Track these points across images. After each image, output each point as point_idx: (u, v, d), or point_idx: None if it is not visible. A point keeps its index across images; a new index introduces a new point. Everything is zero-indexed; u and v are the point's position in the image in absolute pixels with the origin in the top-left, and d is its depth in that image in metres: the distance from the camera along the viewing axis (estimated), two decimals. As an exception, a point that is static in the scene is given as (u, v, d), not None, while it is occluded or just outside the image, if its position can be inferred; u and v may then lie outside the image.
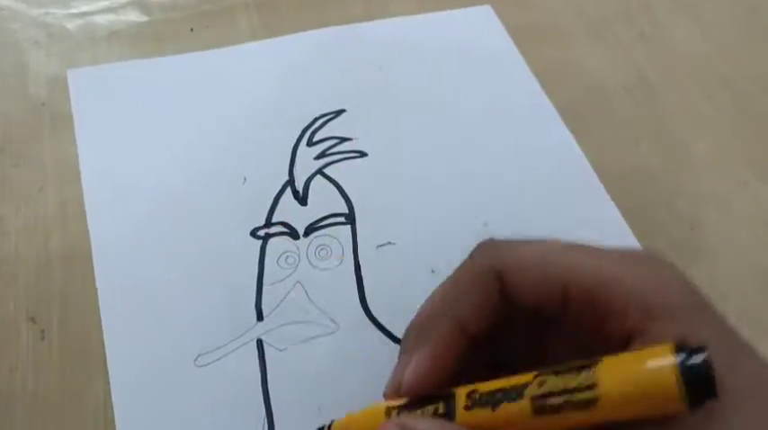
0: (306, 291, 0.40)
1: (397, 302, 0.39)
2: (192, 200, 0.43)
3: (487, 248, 0.30)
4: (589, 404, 0.24)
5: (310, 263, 0.41)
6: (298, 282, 0.40)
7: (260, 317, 0.39)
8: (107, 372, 0.36)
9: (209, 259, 0.40)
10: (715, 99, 0.51)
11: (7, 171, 0.44)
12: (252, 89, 0.48)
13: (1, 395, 0.36)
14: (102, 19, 0.52)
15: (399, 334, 0.38)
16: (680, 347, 0.23)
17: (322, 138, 0.46)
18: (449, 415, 0.27)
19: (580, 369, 0.25)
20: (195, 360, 0.37)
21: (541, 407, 0.25)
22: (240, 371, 0.37)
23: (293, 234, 0.41)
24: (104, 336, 0.37)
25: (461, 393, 0.27)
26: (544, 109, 0.49)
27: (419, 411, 0.28)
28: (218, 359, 0.37)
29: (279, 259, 0.40)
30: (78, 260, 0.40)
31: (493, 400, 0.26)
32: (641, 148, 0.48)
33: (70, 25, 0.51)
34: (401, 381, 0.29)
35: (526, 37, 0.52)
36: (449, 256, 0.41)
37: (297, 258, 0.41)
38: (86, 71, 0.48)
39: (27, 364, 0.37)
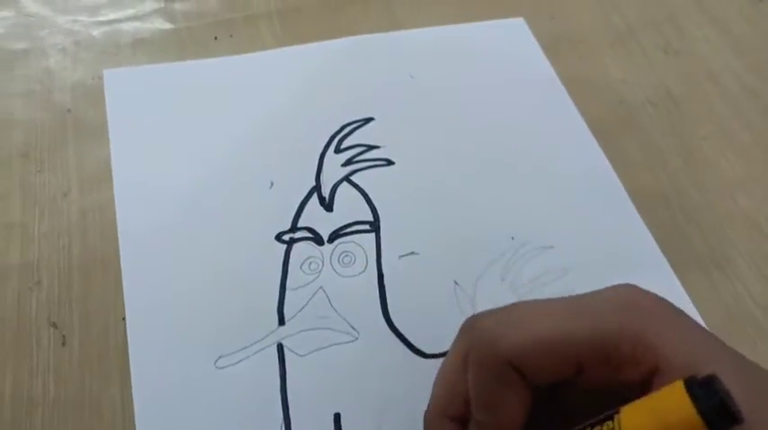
0: (328, 298, 0.39)
1: (419, 313, 0.39)
2: (219, 203, 0.43)
3: (486, 341, 0.28)
4: None
5: (334, 269, 0.40)
6: (320, 287, 0.40)
7: (281, 321, 0.39)
8: (127, 378, 0.37)
9: (233, 262, 0.40)
10: (742, 114, 0.50)
11: (31, 177, 0.44)
12: (282, 94, 0.48)
13: (22, 399, 0.36)
14: (127, 26, 0.52)
15: (420, 345, 0.38)
16: (690, 382, 0.24)
17: (350, 146, 0.46)
18: None
19: (600, 425, 0.26)
20: (216, 362, 0.37)
21: None
22: (260, 374, 0.37)
23: (318, 240, 0.41)
24: (128, 335, 0.38)
25: None
26: (575, 124, 0.48)
27: None
28: (238, 362, 0.37)
29: (302, 264, 0.40)
30: (100, 266, 0.40)
31: None
32: (668, 164, 0.47)
33: (96, 32, 0.52)
34: None
35: (549, 49, 0.52)
36: (472, 269, 0.41)
37: (320, 264, 0.41)
38: (122, 72, 0.49)
39: (48, 369, 0.37)
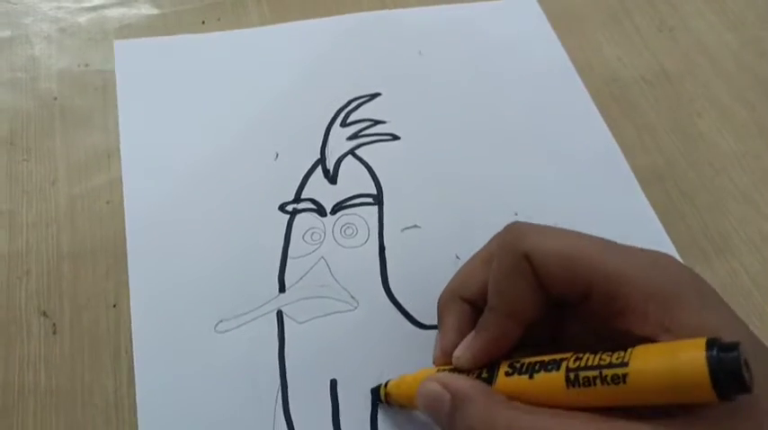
0: (329, 268, 0.40)
1: (419, 285, 0.40)
2: (225, 172, 0.43)
3: (515, 234, 0.31)
4: (619, 380, 0.25)
5: (335, 240, 0.41)
6: (322, 257, 0.40)
7: (282, 289, 0.39)
8: (119, 367, 0.37)
9: (237, 230, 0.41)
10: (738, 90, 0.50)
11: (18, 166, 0.44)
12: (291, 68, 0.49)
13: (13, 388, 0.36)
14: (113, 12, 0.51)
15: (419, 316, 0.39)
16: (712, 342, 0.24)
17: (356, 120, 0.46)
18: (489, 380, 0.30)
19: (615, 349, 0.26)
20: (216, 326, 0.38)
21: (574, 378, 0.27)
22: (259, 339, 0.37)
23: (320, 211, 0.42)
24: (131, 298, 0.38)
25: (505, 363, 0.30)
26: (583, 103, 0.48)
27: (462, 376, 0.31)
28: (238, 327, 0.38)
29: (305, 235, 0.41)
30: (90, 255, 0.40)
31: (532, 370, 0.28)
32: (662, 141, 0.47)
33: (82, 19, 0.51)
34: (453, 354, 0.32)
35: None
36: (474, 244, 0.41)
37: (322, 235, 0.41)
38: (132, 43, 0.49)
39: (39, 359, 0.37)
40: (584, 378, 0.27)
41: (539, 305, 0.30)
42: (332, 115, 0.46)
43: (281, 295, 0.39)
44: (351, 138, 0.45)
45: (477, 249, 0.41)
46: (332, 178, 0.43)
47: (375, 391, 0.36)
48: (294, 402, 0.36)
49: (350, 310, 0.39)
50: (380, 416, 0.36)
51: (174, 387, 0.36)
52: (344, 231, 0.41)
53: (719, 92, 0.50)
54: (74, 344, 0.38)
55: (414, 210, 0.43)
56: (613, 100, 0.49)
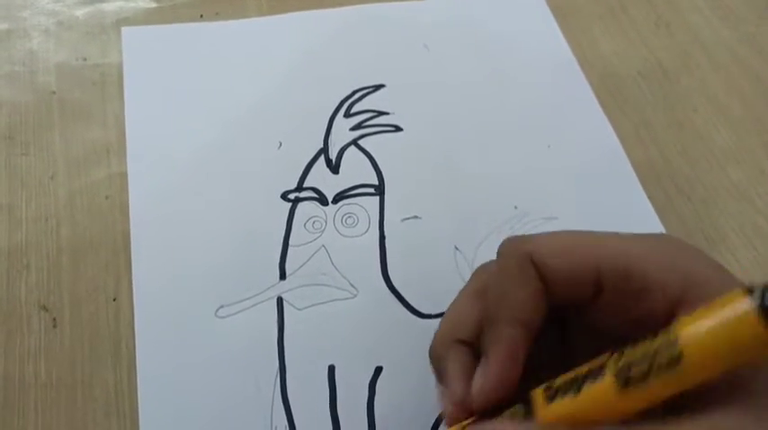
0: (329, 256, 0.40)
1: (418, 275, 0.40)
2: (228, 160, 0.44)
3: (515, 241, 0.29)
4: (674, 363, 0.23)
5: (336, 229, 0.41)
6: (323, 246, 0.41)
7: (283, 276, 0.40)
8: (119, 360, 0.37)
9: (239, 217, 0.42)
10: (734, 86, 0.51)
11: (17, 160, 0.44)
12: (295, 58, 0.49)
13: (13, 382, 0.36)
14: (111, 6, 0.51)
15: (417, 305, 0.39)
16: (751, 289, 0.22)
17: (359, 111, 0.47)
18: (527, 413, 0.26)
19: (654, 335, 0.24)
20: (216, 311, 0.38)
21: (627, 378, 0.24)
22: (258, 325, 0.38)
23: (322, 200, 0.43)
24: (133, 281, 0.39)
25: (536, 392, 0.27)
26: (586, 99, 0.49)
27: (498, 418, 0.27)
28: (238, 312, 0.38)
29: (306, 223, 0.42)
30: (89, 248, 0.41)
31: (574, 386, 0.25)
32: (659, 137, 0.48)
33: (79, 13, 0.51)
34: (474, 392, 0.28)
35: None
36: (474, 235, 0.42)
37: (323, 224, 0.42)
38: (139, 30, 0.49)
39: (39, 352, 0.37)
40: (637, 374, 0.24)
41: (543, 313, 0.28)
42: (335, 105, 0.47)
43: (282, 282, 0.40)
44: (354, 128, 0.46)
45: (475, 241, 0.42)
46: (334, 168, 0.44)
47: None
48: (292, 387, 0.36)
49: (349, 298, 0.39)
50: (377, 402, 0.36)
51: (175, 372, 0.36)
52: (345, 221, 0.42)
53: (715, 87, 0.51)
54: (74, 337, 0.38)
55: (414, 201, 0.43)
56: (610, 94, 0.49)
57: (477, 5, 0.53)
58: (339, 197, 0.43)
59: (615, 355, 0.25)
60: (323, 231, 0.41)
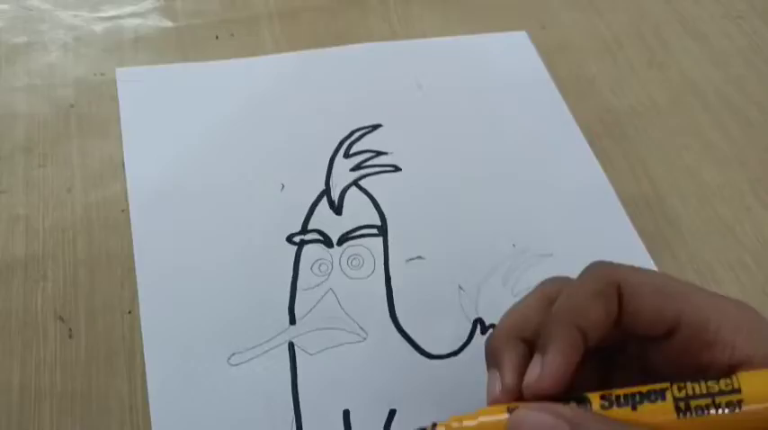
0: (338, 299, 0.41)
1: (425, 315, 0.41)
2: (232, 204, 0.44)
3: (606, 266, 0.31)
4: (734, 406, 0.26)
5: (343, 271, 0.42)
6: (330, 289, 0.41)
7: (293, 320, 0.40)
8: (133, 372, 0.37)
9: (246, 262, 0.42)
10: (721, 124, 0.52)
11: (34, 172, 0.44)
12: (294, 99, 0.49)
13: (29, 392, 0.37)
14: (128, 23, 0.52)
15: (425, 345, 0.40)
16: None
17: (358, 151, 0.47)
18: None
19: (716, 379, 0.27)
20: (229, 359, 0.38)
21: (685, 407, 0.26)
22: (272, 372, 0.38)
23: (327, 242, 0.43)
24: (143, 333, 0.39)
25: (593, 395, 0.28)
26: (574, 137, 0.50)
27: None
28: (250, 359, 0.38)
29: (313, 266, 0.42)
30: (105, 260, 0.41)
31: (633, 401, 0.27)
32: (651, 171, 0.49)
33: (97, 28, 0.51)
34: (526, 383, 0.29)
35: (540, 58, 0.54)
36: (476, 274, 0.42)
37: (330, 266, 0.42)
38: (134, 71, 0.49)
39: (55, 362, 0.38)
40: (696, 406, 0.26)
41: (605, 335, 0.30)
42: (335, 146, 0.47)
43: (292, 327, 0.40)
44: (354, 169, 0.46)
45: (477, 280, 0.42)
46: (337, 209, 0.44)
47: None
48: (309, 434, 0.37)
49: (359, 341, 0.40)
50: (394, 445, 0.37)
51: (190, 422, 0.36)
52: (351, 262, 0.42)
53: (704, 126, 0.52)
54: (89, 348, 0.38)
55: (417, 241, 0.44)
56: (605, 130, 0.51)
57: (467, 45, 0.54)
58: (344, 239, 0.43)
59: (676, 385, 0.27)
60: (329, 274, 0.42)
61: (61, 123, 0.46)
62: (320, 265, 0.42)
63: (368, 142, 0.48)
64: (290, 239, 0.43)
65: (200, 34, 0.52)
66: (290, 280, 0.41)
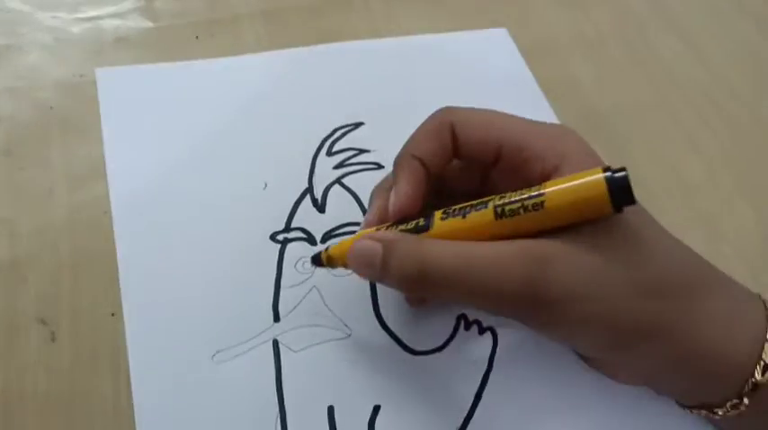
0: (322, 296, 0.41)
1: (409, 312, 0.41)
2: (214, 203, 0.44)
3: (444, 109, 0.38)
4: (538, 206, 0.32)
5: (326, 269, 0.42)
6: (314, 286, 0.41)
7: (276, 318, 0.40)
8: (117, 374, 0.37)
9: (229, 261, 0.42)
10: (705, 121, 0.53)
11: (15, 175, 0.44)
12: (276, 97, 0.49)
13: (12, 396, 0.36)
14: (108, 24, 0.52)
15: (409, 341, 0.40)
16: (606, 168, 0.31)
17: (341, 149, 0.47)
18: (427, 226, 0.34)
19: (531, 187, 0.33)
20: (213, 357, 0.38)
21: (501, 211, 0.33)
22: (256, 369, 0.38)
23: (311, 240, 0.43)
24: (126, 332, 0.38)
25: (438, 211, 0.35)
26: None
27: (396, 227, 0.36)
28: (235, 357, 0.38)
29: (296, 264, 0.42)
30: (87, 263, 0.41)
31: (464, 211, 0.34)
32: (635, 168, 0.48)
33: (77, 29, 0.51)
34: (387, 207, 0.36)
35: (523, 55, 0.55)
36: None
37: (313, 264, 0.42)
38: (114, 71, 0.49)
39: (37, 366, 0.37)
40: (509, 210, 0.32)
41: (445, 160, 0.37)
42: (318, 144, 0.47)
43: (276, 324, 0.40)
44: (337, 167, 0.46)
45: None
46: (320, 207, 0.44)
47: (316, 257, 0.38)
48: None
49: (344, 338, 0.40)
50: (379, 441, 0.37)
51: (174, 419, 0.36)
52: (335, 260, 0.42)
53: (688, 123, 0.53)
54: (72, 351, 0.38)
55: (400, 237, 0.44)
56: (589, 126, 0.50)
57: (448, 43, 0.55)
58: (327, 236, 0.43)
59: (499, 195, 0.33)
60: (313, 271, 0.42)
61: (42, 125, 0.46)
62: (304, 263, 0.42)
63: (350, 140, 0.48)
64: (273, 238, 0.43)
65: (180, 35, 0.52)
66: (273, 278, 0.41)
